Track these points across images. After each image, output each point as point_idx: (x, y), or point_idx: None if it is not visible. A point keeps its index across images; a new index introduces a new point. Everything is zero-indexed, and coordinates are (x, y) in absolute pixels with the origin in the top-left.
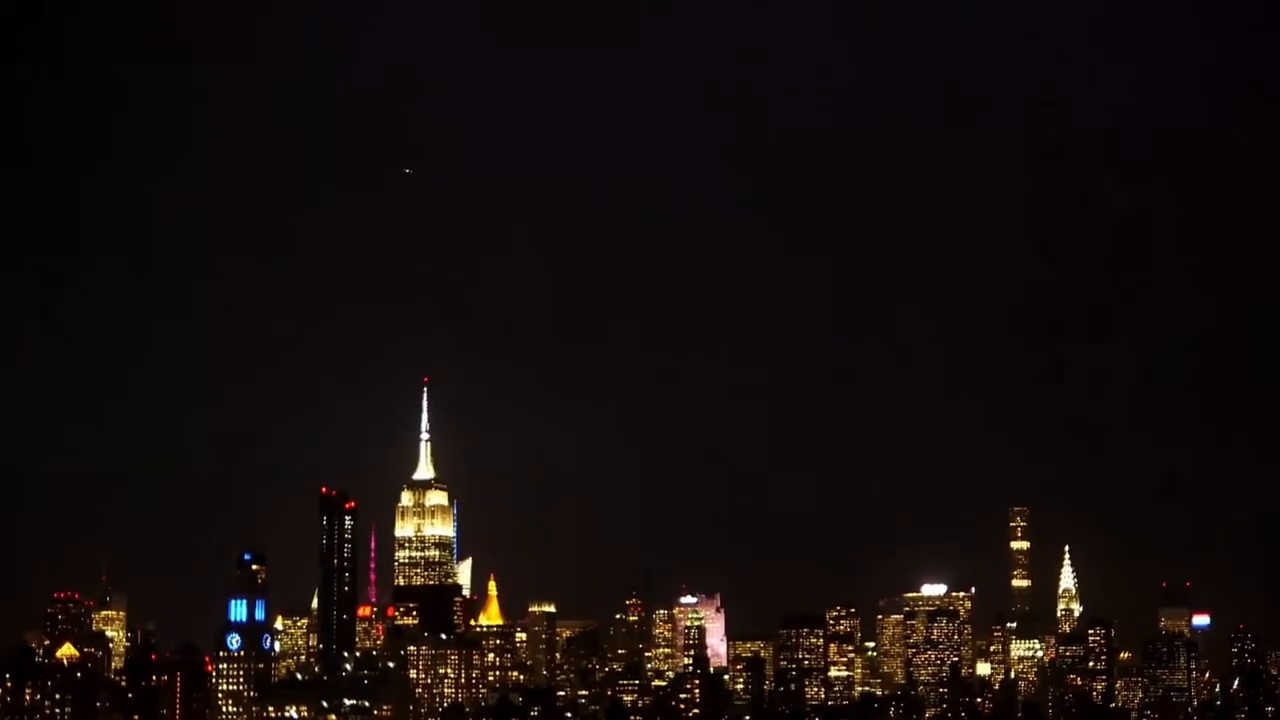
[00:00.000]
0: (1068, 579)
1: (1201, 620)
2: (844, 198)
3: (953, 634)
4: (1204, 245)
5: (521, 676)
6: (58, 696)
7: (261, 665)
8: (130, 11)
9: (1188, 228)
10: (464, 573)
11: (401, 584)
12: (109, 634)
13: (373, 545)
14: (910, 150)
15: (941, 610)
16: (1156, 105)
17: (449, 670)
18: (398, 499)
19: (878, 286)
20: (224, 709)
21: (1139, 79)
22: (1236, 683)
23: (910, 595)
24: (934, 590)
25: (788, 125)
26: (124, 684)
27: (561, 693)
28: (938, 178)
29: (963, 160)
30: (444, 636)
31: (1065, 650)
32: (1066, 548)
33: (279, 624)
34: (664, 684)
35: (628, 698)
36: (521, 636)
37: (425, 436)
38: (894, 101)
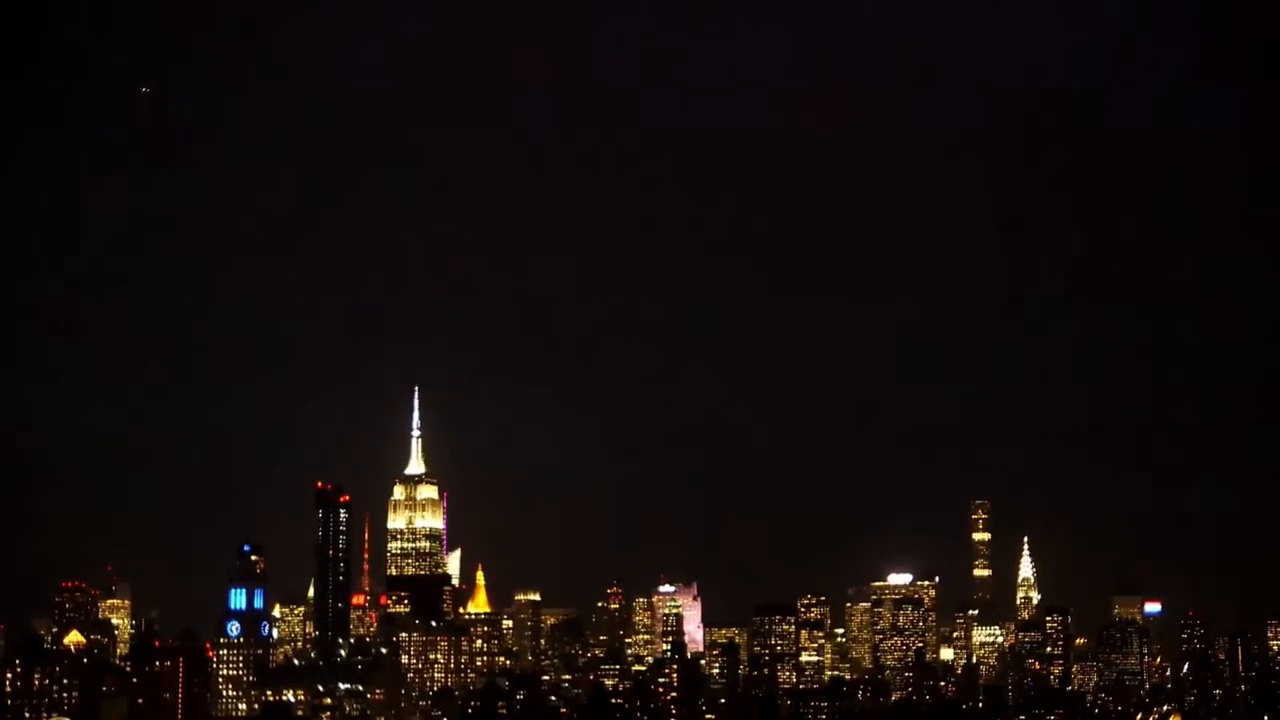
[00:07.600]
0: (1026, 569)
1: (1153, 607)
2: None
3: (918, 621)
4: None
5: (508, 662)
6: (65, 682)
7: (260, 651)
8: None
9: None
10: (453, 563)
11: (393, 574)
12: (114, 622)
13: (366, 537)
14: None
15: (907, 599)
16: None
17: (439, 656)
18: (390, 493)
19: (838, 286)
20: (224, 693)
21: None
22: (1186, 667)
23: (877, 584)
24: (900, 580)
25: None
26: (128, 669)
27: (546, 677)
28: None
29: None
30: (434, 624)
31: (1024, 636)
32: (1025, 539)
33: (277, 612)
34: (644, 669)
35: (609, 682)
36: (508, 624)
37: (416, 433)
38: None
